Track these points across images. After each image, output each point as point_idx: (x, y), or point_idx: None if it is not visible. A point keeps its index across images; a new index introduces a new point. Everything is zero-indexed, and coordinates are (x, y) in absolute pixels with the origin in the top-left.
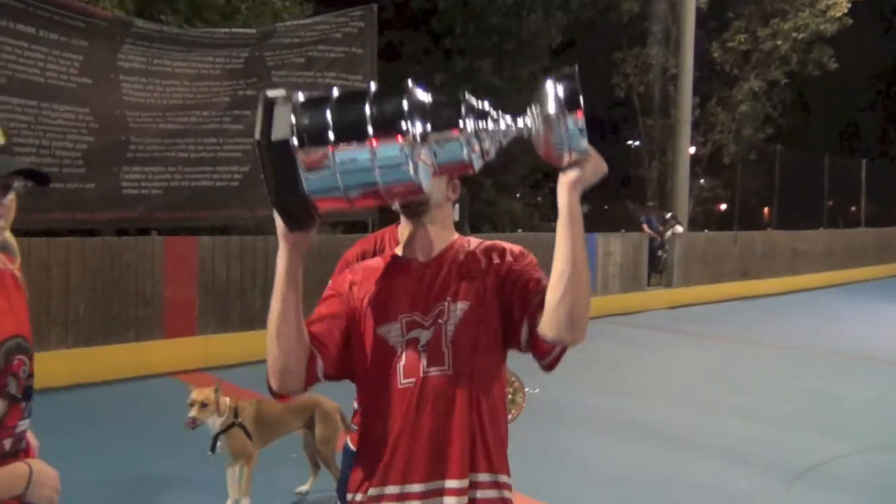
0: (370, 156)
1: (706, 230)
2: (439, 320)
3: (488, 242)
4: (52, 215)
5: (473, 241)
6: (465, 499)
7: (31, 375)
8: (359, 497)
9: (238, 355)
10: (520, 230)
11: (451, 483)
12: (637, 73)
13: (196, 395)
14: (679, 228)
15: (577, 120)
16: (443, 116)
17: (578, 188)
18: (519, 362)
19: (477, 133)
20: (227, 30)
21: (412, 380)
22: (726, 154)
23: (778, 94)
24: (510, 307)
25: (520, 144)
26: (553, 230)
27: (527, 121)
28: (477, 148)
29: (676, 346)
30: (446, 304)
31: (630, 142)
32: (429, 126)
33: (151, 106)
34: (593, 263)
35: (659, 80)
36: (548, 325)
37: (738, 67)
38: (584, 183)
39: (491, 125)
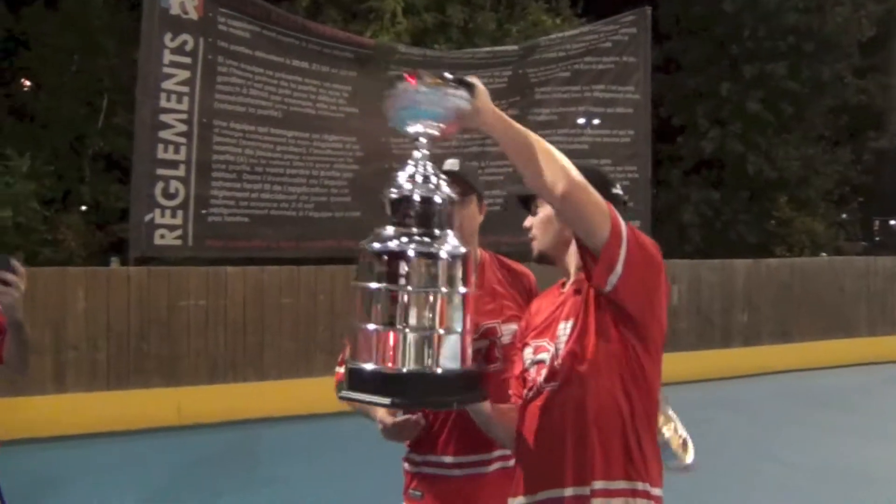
0: None
1: None
2: (556, 341)
3: None
4: (319, 243)
5: None
6: None
7: None
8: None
9: None
10: (823, 253)
11: (568, 491)
12: None
13: None
14: None
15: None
16: None
17: (484, 116)
18: None
19: None
20: (489, 49)
21: (530, 393)
22: None
23: None
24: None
25: None
26: (862, 250)
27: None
28: None
29: None
30: (561, 325)
31: None
32: None
33: None
34: None
35: None
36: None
37: None
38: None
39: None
